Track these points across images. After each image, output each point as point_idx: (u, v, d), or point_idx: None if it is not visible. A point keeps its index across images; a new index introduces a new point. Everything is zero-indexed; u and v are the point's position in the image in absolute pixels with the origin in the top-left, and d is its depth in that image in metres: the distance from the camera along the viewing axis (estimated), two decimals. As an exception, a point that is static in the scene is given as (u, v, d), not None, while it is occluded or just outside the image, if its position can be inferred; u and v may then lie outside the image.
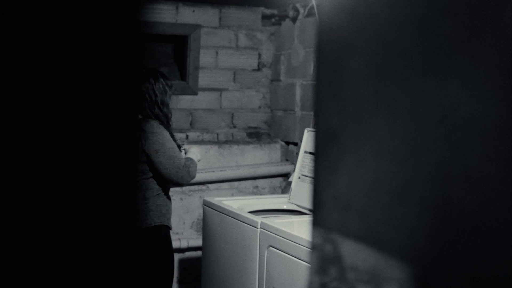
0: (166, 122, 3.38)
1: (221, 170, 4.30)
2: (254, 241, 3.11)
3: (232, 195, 4.39)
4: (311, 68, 4.21)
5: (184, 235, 4.29)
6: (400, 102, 0.68)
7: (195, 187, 3.65)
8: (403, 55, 0.68)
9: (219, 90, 4.59)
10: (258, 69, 4.70)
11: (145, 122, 3.30)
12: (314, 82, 0.80)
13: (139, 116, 3.37)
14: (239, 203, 3.63)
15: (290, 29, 4.48)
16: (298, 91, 4.38)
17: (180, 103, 4.35)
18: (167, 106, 3.39)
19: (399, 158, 0.68)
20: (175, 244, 3.96)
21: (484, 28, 0.61)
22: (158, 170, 3.30)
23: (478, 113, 0.61)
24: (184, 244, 4.27)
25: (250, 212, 3.43)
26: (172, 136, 3.40)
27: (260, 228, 3.08)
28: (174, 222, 3.88)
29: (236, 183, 4.47)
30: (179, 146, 3.42)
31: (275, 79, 4.68)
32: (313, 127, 0.80)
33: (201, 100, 4.51)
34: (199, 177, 3.57)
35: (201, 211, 3.80)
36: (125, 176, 0.63)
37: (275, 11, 4.62)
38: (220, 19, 4.54)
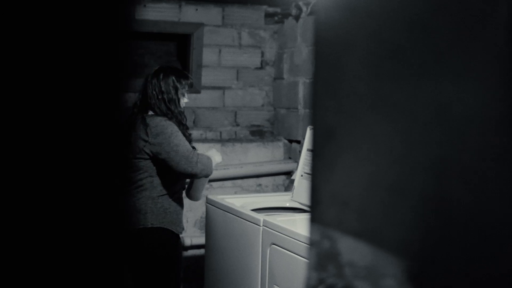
0: (176, 121, 3.27)
1: (224, 168, 4.30)
2: (256, 238, 3.12)
3: (235, 193, 4.40)
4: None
5: (187, 233, 4.29)
6: (396, 99, 0.69)
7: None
8: (399, 53, 0.68)
9: (222, 89, 4.60)
10: (261, 67, 4.70)
11: (151, 118, 3.24)
12: (312, 79, 0.81)
13: (150, 113, 3.30)
14: (242, 201, 3.64)
15: (293, 27, 4.48)
16: (301, 89, 4.38)
17: (183, 101, 4.35)
18: (175, 103, 3.30)
19: (395, 155, 0.69)
20: (178, 242, 3.95)
21: (479, 26, 0.61)
22: (165, 162, 3.18)
23: (473, 110, 0.62)
24: (187, 242, 4.27)
25: (253, 210, 3.44)
26: (185, 135, 3.29)
27: (263, 226, 3.08)
28: (177, 220, 3.87)
29: (239, 181, 4.47)
30: (193, 147, 3.33)
31: (278, 77, 4.68)
32: (311, 125, 0.80)
33: (204, 98, 4.52)
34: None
35: (204, 209, 3.81)
36: (115, 173, 0.64)
37: (278, 9, 4.62)
38: (223, 17, 4.54)
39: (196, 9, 4.42)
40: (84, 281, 0.63)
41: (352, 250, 0.73)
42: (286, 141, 4.61)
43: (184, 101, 3.36)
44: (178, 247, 3.39)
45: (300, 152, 3.96)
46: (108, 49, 0.65)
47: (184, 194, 3.46)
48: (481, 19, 0.61)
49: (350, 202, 0.74)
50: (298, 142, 4.42)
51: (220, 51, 4.56)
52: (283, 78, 4.61)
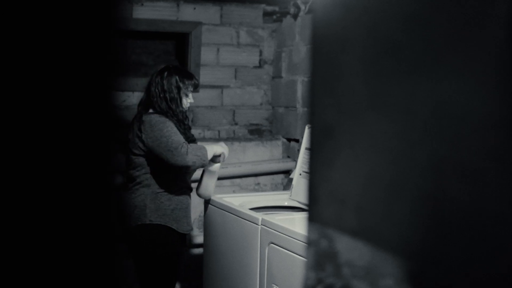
0: (176, 120, 3.28)
1: (223, 167, 4.30)
2: (255, 238, 3.11)
3: (234, 192, 4.39)
4: (312, 65, 4.20)
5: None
6: (394, 97, 0.68)
7: (196, 185, 3.64)
8: (396, 50, 0.68)
9: (221, 87, 4.59)
10: (260, 66, 4.70)
11: (147, 115, 3.25)
12: (310, 77, 0.80)
13: (150, 111, 3.32)
14: (240, 200, 3.63)
15: (291, 26, 4.47)
16: (299, 88, 4.38)
17: (181, 100, 4.35)
18: (176, 103, 3.30)
19: (393, 153, 0.68)
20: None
21: (477, 23, 0.61)
22: (159, 157, 3.19)
23: (472, 107, 0.61)
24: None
25: (251, 209, 3.43)
26: (186, 135, 3.30)
27: (261, 225, 3.08)
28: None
29: (237, 180, 4.47)
30: (193, 141, 3.34)
31: (277, 76, 4.68)
32: (309, 123, 0.79)
33: (203, 97, 4.51)
34: (199, 174, 3.53)
35: (202, 208, 3.80)
36: (108, 170, 0.63)
37: (276, 8, 4.62)
38: (221, 16, 4.53)
39: (194, 8, 4.41)
40: (83, 277, 0.63)
41: (351, 249, 0.72)
42: (284, 140, 4.61)
43: (188, 101, 3.36)
44: (177, 245, 3.37)
45: (298, 150, 3.95)
46: (100, 47, 0.64)
47: (194, 192, 3.47)
48: (479, 15, 0.60)
49: (348, 201, 0.73)
50: (297, 141, 4.42)
51: (218, 50, 4.55)
52: (281, 77, 4.61)
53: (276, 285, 2.93)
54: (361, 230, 0.71)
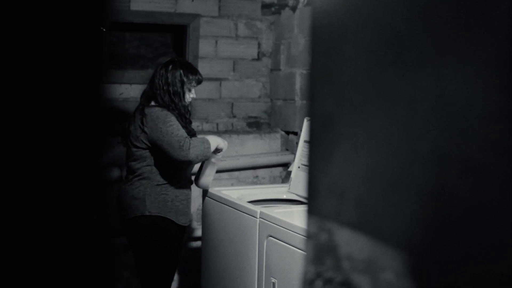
0: (178, 114, 3.29)
1: (221, 160, 4.29)
2: (253, 231, 3.11)
3: (232, 185, 4.38)
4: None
5: (184, 225, 4.27)
6: (395, 87, 0.67)
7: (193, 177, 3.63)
8: (398, 40, 0.67)
9: (219, 80, 4.57)
10: (258, 59, 4.68)
11: (149, 108, 3.26)
12: (309, 68, 0.79)
13: (152, 103, 3.32)
14: (238, 193, 3.63)
15: (290, 18, 4.46)
16: (298, 80, 4.36)
17: (179, 93, 4.33)
18: (179, 97, 3.31)
19: (394, 146, 0.67)
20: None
21: (481, 14, 0.60)
22: (161, 151, 3.20)
23: (476, 99, 0.60)
24: (183, 234, 4.25)
25: (249, 202, 3.42)
26: (187, 129, 3.30)
27: (260, 218, 3.07)
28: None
29: (236, 173, 4.46)
30: (193, 135, 3.34)
31: (275, 68, 4.66)
32: (308, 114, 0.78)
33: (201, 89, 4.48)
34: (197, 167, 3.52)
35: (200, 201, 3.79)
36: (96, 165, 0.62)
37: (275, 0, 4.60)
38: (219, 8, 4.51)
39: (192, 0, 4.39)
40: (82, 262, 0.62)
41: (351, 242, 0.71)
42: (283, 133, 4.60)
43: (190, 95, 3.36)
44: (176, 237, 3.38)
45: (297, 143, 3.94)
46: (97, 40, 0.63)
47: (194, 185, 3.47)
48: (484, 5, 0.59)
49: (348, 194, 0.72)
50: (295, 133, 4.41)
51: (216, 42, 4.53)
52: (280, 69, 4.59)
53: (274, 278, 2.92)
54: (362, 223, 0.70)
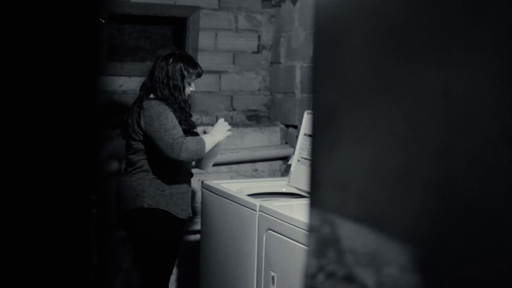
0: (178, 108, 3.28)
1: (220, 153, 4.28)
2: (253, 224, 3.10)
3: (231, 178, 4.37)
4: (311, 51, 4.18)
5: (183, 218, 4.26)
6: (400, 78, 0.66)
7: (194, 170, 3.62)
8: (403, 29, 0.65)
9: (218, 73, 4.56)
10: (258, 52, 4.66)
11: (148, 101, 3.24)
12: (312, 58, 0.77)
13: (151, 96, 3.30)
14: (238, 186, 3.62)
15: (290, 11, 4.44)
16: (298, 74, 4.35)
17: (179, 85, 4.31)
18: (179, 91, 3.29)
19: (399, 137, 0.66)
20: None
21: (489, 2, 0.58)
22: (155, 145, 3.20)
23: (484, 90, 0.59)
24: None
25: (249, 195, 3.41)
26: (188, 123, 3.30)
27: (259, 211, 3.06)
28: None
29: (235, 166, 4.45)
30: (194, 133, 3.33)
31: (275, 61, 4.65)
32: (311, 105, 0.77)
33: (200, 82, 4.47)
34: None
35: (200, 194, 3.78)
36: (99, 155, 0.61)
37: (275, -7, 4.58)
38: (219, 0, 4.49)
39: (192, -8, 4.37)
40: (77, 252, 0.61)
41: (354, 236, 0.70)
42: (282, 126, 4.58)
43: (190, 89, 3.35)
44: (175, 230, 3.36)
45: (297, 137, 3.93)
46: (96, 32, 0.62)
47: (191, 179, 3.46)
48: (492, -7, 0.58)
49: (351, 186, 0.71)
50: (295, 127, 4.40)
51: (216, 35, 4.51)
52: (280, 63, 4.58)
53: (273, 271, 2.91)
54: (365, 216, 0.69)
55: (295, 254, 2.73)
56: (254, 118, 4.69)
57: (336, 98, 0.74)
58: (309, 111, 3.72)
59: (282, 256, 2.85)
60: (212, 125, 4.11)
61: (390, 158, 0.67)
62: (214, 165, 4.01)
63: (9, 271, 0.57)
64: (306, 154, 3.60)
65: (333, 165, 0.74)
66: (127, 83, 4.21)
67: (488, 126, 0.59)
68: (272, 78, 4.68)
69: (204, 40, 4.47)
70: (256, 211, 3.08)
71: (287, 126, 4.54)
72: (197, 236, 4.14)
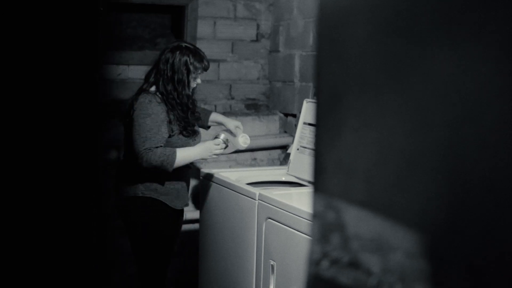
0: (176, 105, 3.19)
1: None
2: (252, 213, 3.09)
3: (230, 167, 4.36)
4: (310, 39, 4.15)
5: (181, 207, 4.25)
6: (408, 60, 0.64)
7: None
8: (411, 11, 0.64)
9: (217, 61, 4.53)
10: (257, 40, 4.64)
11: (144, 95, 3.15)
12: (316, 41, 0.76)
13: (152, 89, 3.20)
14: (237, 175, 3.60)
15: (289, -1, 4.41)
16: (297, 62, 4.33)
17: (177, 74, 4.28)
18: (183, 85, 3.20)
19: (407, 121, 0.65)
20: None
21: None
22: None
23: (494, 73, 0.57)
24: (181, 216, 4.23)
25: (248, 184, 3.40)
26: (188, 119, 3.24)
27: (258, 199, 3.05)
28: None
29: (234, 155, 4.43)
30: (195, 131, 3.26)
31: (274, 50, 4.62)
32: (314, 93, 0.75)
33: (199, 71, 4.45)
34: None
35: (198, 183, 3.77)
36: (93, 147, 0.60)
37: (274, -19, 4.55)
38: (218, -11, 4.47)
39: (191, -20, 4.34)
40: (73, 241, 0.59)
41: (359, 221, 0.69)
42: (281, 115, 4.57)
43: (195, 83, 3.26)
44: (171, 220, 3.34)
45: (296, 125, 3.91)
46: (94, 21, 0.60)
47: (190, 176, 3.42)
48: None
49: (357, 171, 0.69)
50: (294, 115, 4.38)
51: (215, 23, 4.49)
52: (279, 51, 4.55)
53: (273, 260, 2.91)
54: (371, 201, 0.67)
55: (294, 243, 2.72)
56: (253, 107, 4.68)
57: (340, 81, 0.73)
58: (308, 100, 3.70)
59: (282, 245, 2.84)
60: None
61: (398, 142, 0.65)
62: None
63: (10, 263, 0.55)
64: (305, 142, 3.59)
65: (338, 150, 0.73)
66: (125, 71, 4.19)
67: (499, 110, 0.57)
68: (271, 67, 4.66)
69: (203, 28, 4.44)
70: (255, 199, 3.07)
71: (286, 115, 4.52)
72: (196, 225, 4.13)
